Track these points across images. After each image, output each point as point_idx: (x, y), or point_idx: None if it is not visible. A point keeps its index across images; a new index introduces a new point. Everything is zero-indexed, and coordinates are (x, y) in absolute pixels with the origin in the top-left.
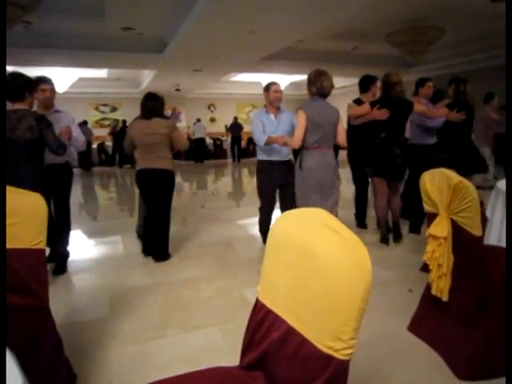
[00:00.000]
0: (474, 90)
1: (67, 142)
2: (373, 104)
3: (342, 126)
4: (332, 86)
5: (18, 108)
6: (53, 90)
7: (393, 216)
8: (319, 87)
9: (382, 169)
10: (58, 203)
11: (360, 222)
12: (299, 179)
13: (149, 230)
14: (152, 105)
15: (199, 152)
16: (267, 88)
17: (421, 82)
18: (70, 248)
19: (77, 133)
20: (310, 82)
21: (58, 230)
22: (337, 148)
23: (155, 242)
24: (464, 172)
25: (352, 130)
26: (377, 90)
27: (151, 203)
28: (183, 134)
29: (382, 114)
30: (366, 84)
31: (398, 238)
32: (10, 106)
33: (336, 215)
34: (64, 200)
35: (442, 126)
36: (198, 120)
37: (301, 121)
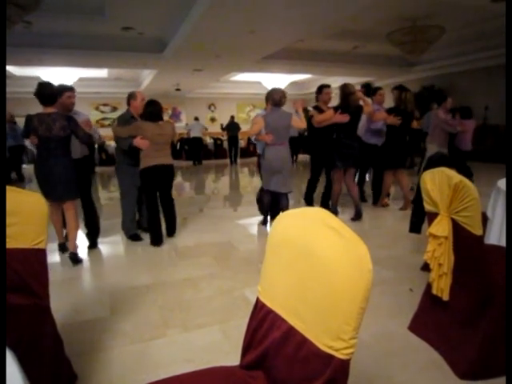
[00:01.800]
0: (413, 99)
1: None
2: (335, 109)
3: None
4: (281, 97)
5: (50, 111)
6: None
7: (355, 198)
8: (273, 99)
9: (349, 162)
10: (84, 191)
11: (309, 203)
12: (262, 166)
13: (156, 220)
14: (157, 109)
15: (196, 152)
16: None
17: (373, 91)
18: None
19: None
20: (267, 97)
21: (88, 215)
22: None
23: (167, 221)
24: (392, 165)
25: (313, 131)
26: (326, 97)
27: (156, 194)
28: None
29: (343, 118)
30: (316, 93)
31: (358, 217)
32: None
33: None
34: (87, 187)
35: (386, 128)
36: (196, 119)
37: (258, 123)
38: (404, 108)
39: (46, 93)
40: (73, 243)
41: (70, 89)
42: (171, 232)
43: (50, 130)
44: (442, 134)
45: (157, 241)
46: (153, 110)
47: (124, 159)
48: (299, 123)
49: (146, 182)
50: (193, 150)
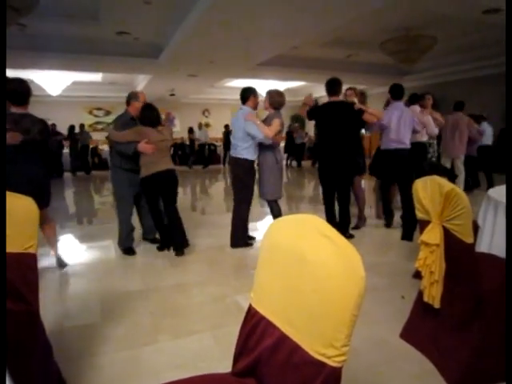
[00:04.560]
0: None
1: None
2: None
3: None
4: (279, 101)
5: (25, 112)
6: None
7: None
8: (275, 102)
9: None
10: None
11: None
12: (275, 171)
13: (163, 226)
14: (155, 115)
15: (202, 157)
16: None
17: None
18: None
19: None
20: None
21: None
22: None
23: (175, 235)
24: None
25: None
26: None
27: (162, 201)
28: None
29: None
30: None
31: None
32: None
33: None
34: None
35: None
36: (200, 126)
37: (277, 123)
38: None
39: (18, 91)
40: None
41: None
42: (179, 248)
43: (28, 132)
44: (464, 142)
45: (179, 247)
46: (152, 115)
47: (121, 164)
48: (264, 130)
49: (148, 190)
50: (200, 155)
